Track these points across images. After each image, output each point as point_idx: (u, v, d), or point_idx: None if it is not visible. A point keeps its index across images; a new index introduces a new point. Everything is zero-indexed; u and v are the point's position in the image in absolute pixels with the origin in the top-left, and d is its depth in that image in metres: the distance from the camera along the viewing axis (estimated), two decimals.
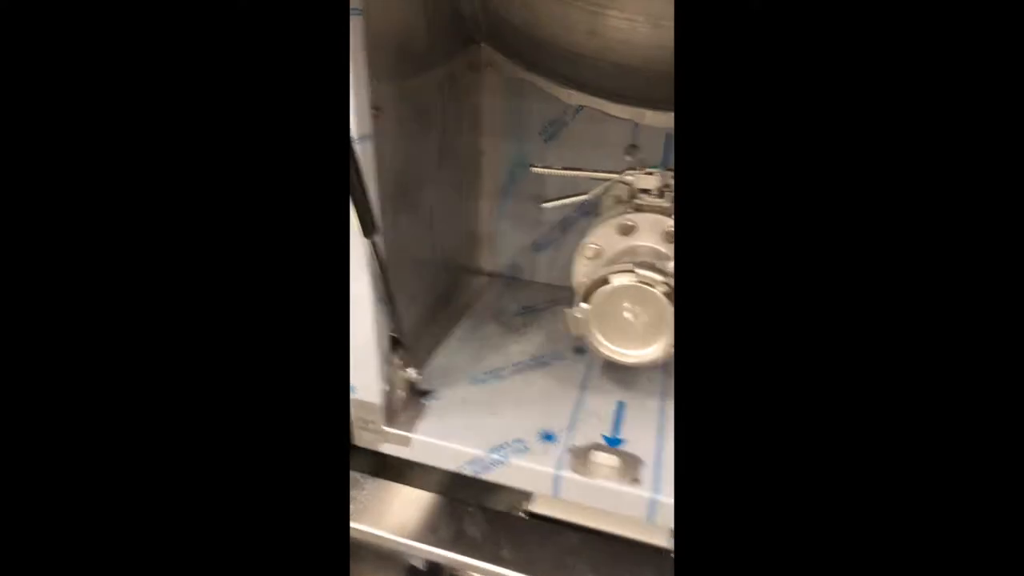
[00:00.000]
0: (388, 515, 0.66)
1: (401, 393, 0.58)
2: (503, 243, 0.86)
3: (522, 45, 0.67)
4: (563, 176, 0.63)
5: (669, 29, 0.51)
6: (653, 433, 0.56)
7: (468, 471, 0.55)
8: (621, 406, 0.60)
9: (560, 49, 0.60)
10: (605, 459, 0.52)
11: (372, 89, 0.50)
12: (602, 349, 0.56)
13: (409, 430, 0.56)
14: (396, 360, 0.56)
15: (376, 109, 0.51)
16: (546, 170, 0.63)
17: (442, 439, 0.55)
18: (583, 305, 0.54)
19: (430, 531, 0.65)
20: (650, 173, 0.59)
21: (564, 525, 0.58)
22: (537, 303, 0.81)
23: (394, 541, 0.63)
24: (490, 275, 0.88)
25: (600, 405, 0.60)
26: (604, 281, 0.53)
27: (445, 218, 0.74)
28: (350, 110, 0.44)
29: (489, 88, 0.76)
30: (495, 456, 0.53)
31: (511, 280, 0.88)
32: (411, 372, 0.58)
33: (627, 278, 0.52)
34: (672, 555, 0.59)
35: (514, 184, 0.81)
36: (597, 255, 0.61)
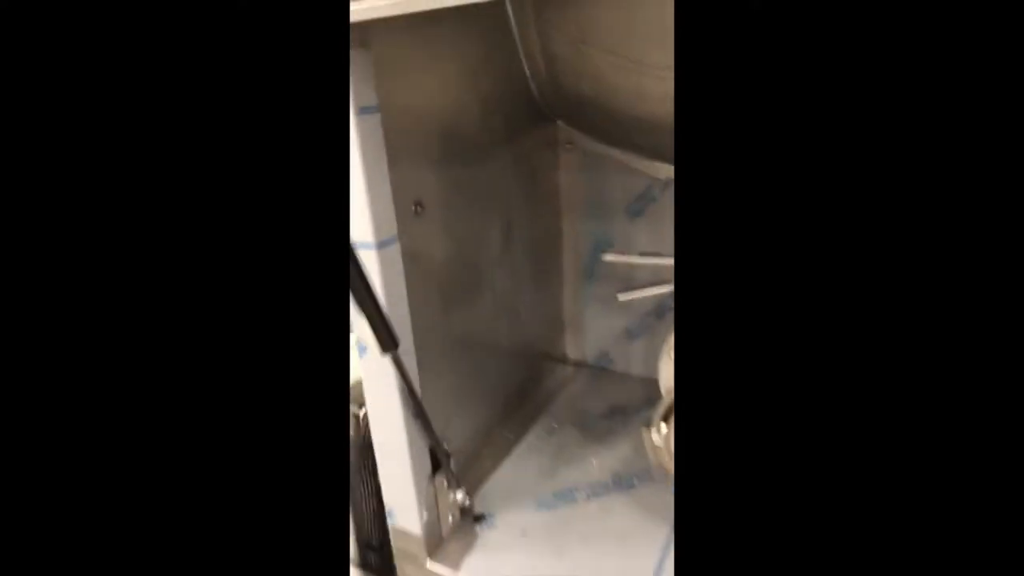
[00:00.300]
0: None
1: (450, 518, 0.50)
2: (591, 330, 0.77)
3: (598, 119, 0.60)
4: (640, 265, 0.54)
5: None
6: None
7: None
8: None
9: (637, 119, 0.53)
10: None
11: (414, 181, 0.46)
12: None
13: (456, 567, 0.47)
14: (440, 480, 0.49)
15: (418, 205, 0.46)
16: (620, 257, 0.54)
17: None
18: (661, 426, 0.43)
19: None
20: None
21: None
22: (628, 402, 0.70)
23: None
24: (576, 364, 0.79)
25: None
26: None
27: (524, 305, 0.68)
28: (370, 215, 0.40)
29: (567, 166, 0.70)
30: None
31: (600, 371, 0.78)
32: (459, 495, 0.50)
33: None
34: None
35: (599, 266, 0.72)
36: None
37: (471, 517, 0.52)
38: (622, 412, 0.68)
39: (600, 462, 0.59)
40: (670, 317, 0.69)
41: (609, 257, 0.55)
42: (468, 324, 0.57)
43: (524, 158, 0.63)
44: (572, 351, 0.80)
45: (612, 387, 0.73)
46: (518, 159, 0.62)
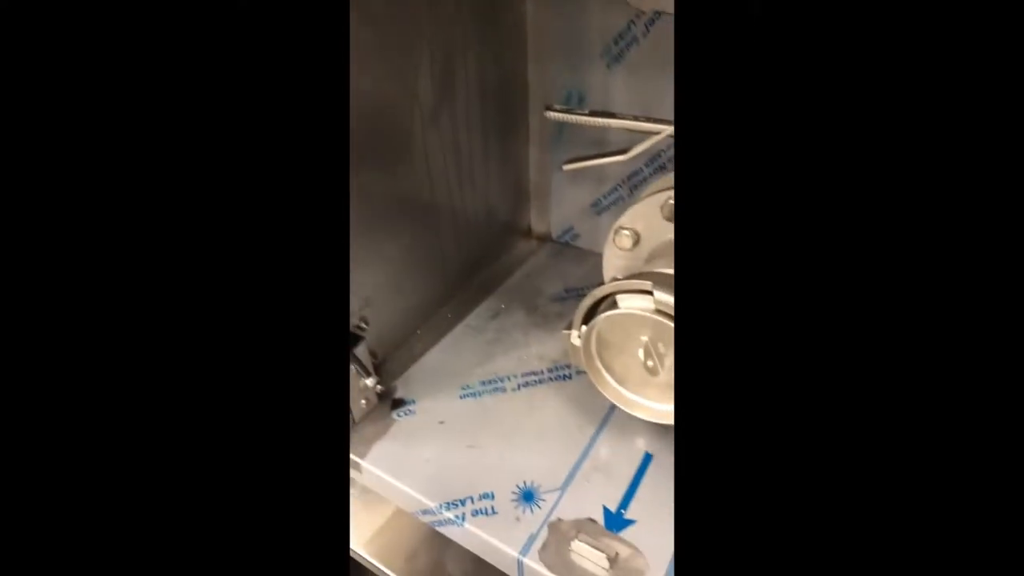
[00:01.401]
0: (370, 531, 0.57)
1: (363, 403, 0.47)
2: (558, 199, 0.68)
3: None
4: (591, 125, 0.43)
5: None
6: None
7: (423, 520, 0.43)
8: (647, 461, 0.43)
9: None
10: (589, 552, 0.36)
11: None
12: (608, 393, 0.39)
13: (361, 455, 0.45)
14: (353, 363, 0.45)
15: None
16: (563, 116, 0.44)
17: (394, 476, 0.43)
18: (581, 328, 0.37)
19: (406, 559, 0.56)
20: None
21: None
22: (585, 283, 0.63)
23: (366, 561, 0.55)
24: (540, 239, 0.72)
25: (620, 451, 0.44)
26: (610, 299, 0.35)
27: (480, 168, 0.59)
28: None
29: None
30: (448, 515, 0.40)
31: (564, 247, 0.70)
32: (369, 381, 0.46)
33: (641, 302, 0.33)
34: None
35: (569, 125, 0.61)
36: (635, 243, 0.42)
37: (389, 403, 0.49)
38: (577, 294, 0.62)
39: (540, 349, 0.54)
40: (643, 190, 0.59)
41: (551, 114, 0.44)
42: (399, 188, 0.49)
43: None
44: (537, 223, 0.72)
45: (573, 266, 0.67)
46: None
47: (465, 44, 0.51)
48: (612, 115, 0.42)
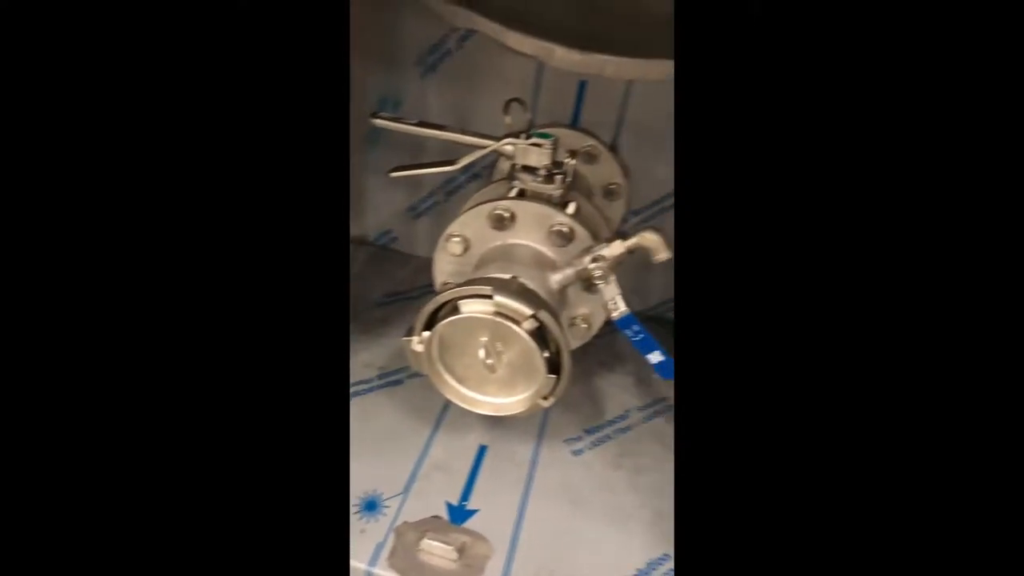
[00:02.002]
0: None
1: None
2: (375, 204, 0.68)
3: None
4: (415, 134, 0.44)
5: None
6: (516, 500, 0.43)
7: None
8: (483, 451, 0.46)
9: None
10: (439, 549, 0.38)
11: None
12: (448, 393, 0.41)
13: None
14: None
15: None
16: (391, 124, 0.44)
17: None
18: (424, 334, 0.38)
19: None
20: (537, 144, 0.41)
21: None
22: (408, 287, 0.64)
23: None
24: (358, 242, 0.70)
25: (455, 447, 0.46)
26: (451, 306, 0.37)
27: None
28: None
29: None
30: None
31: (382, 250, 0.70)
32: None
33: (482, 306, 0.36)
34: None
35: (387, 132, 0.61)
36: (465, 249, 0.45)
37: None
38: (401, 299, 0.62)
39: (367, 356, 0.53)
40: (459, 196, 0.62)
41: (379, 122, 0.44)
42: None
43: None
44: (353, 227, 0.70)
45: (393, 269, 0.67)
46: None
47: None
48: (440, 127, 0.43)
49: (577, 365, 0.39)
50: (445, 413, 0.48)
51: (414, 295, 0.63)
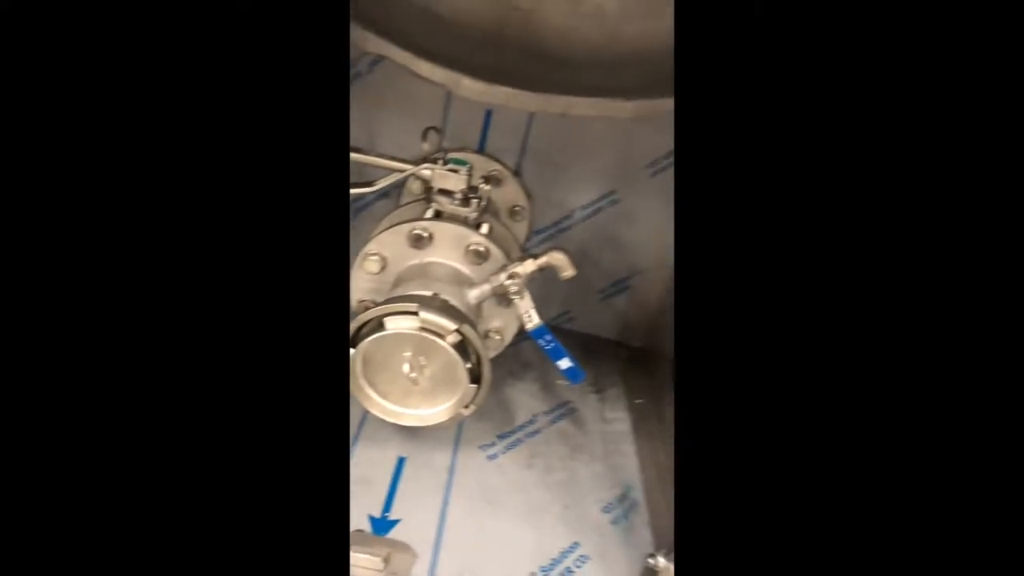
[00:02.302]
0: None
1: None
2: None
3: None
4: None
5: None
6: (436, 504, 0.45)
7: None
8: (401, 463, 0.47)
9: None
10: (364, 561, 0.39)
11: None
12: (372, 408, 0.42)
13: None
14: None
15: None
16: None
17: None
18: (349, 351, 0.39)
19: None
20: (454, 170, 0.44)
21: None
22: None
23: None
24: None
25: (374, 465, 0.47)
26: (376, 323, 0.39)
27: None
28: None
29: None
30: None
31: None
32: None
33: (408, 322, 0.38)
34: None
35: None
36: (382, 268, 0.46)
37: None
38: None
39: None
40: (368, 213, 0.63)
41: None
42: None
43: None
44: None
45: None
46: None
47: None
48: (358, 150, 0.45)
49: None
50: (362, 427, 0.49)
51: None
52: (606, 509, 0.48)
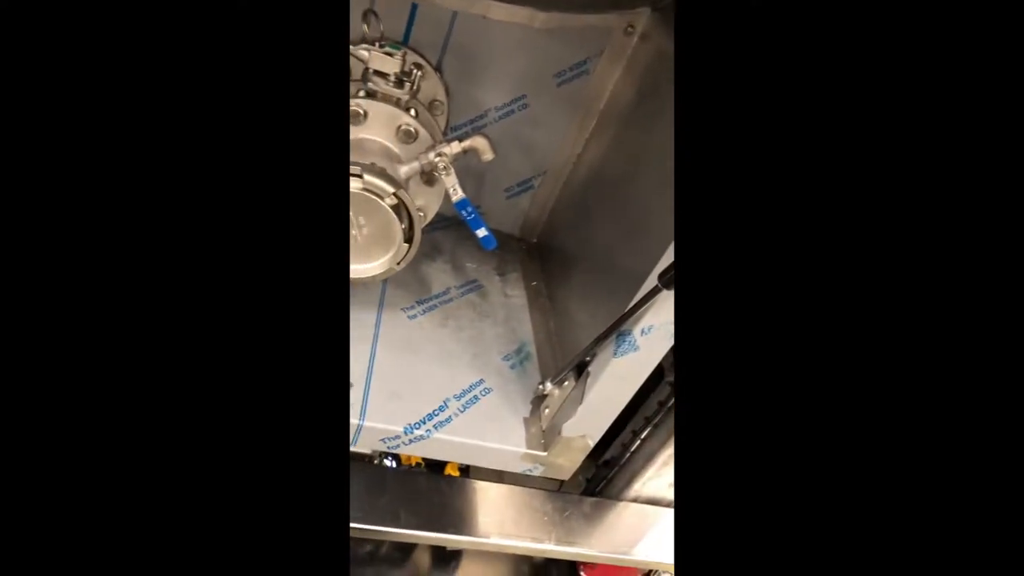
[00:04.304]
0: None
1: None
2: None
3: None
4: None
5: None
6: (366, 349, 0.53)
7: None
8: None
9: None
10: None
11: None
12: None
13: None
14: None
15: None
16: None
17: None
18: None
19: None
20: (390, 54, 0.49)
21: None
22: None
23: None
24: None
25: None
26: None
27: None
28: None
29: None
30: None
31: None
32: None
33: (353, 183, 0.44)
34: (372, 460, 0.59)
35: None
36: None
37: None
38: None
39: None
40: None
41: None
42: None
43: None
44: None
45: None
46: None
47: None
48: None
49: None
50: None
51: None
52: (506, 358, 0.59)
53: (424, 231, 0.57)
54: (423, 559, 0.76)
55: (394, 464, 0.68)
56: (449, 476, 0.66)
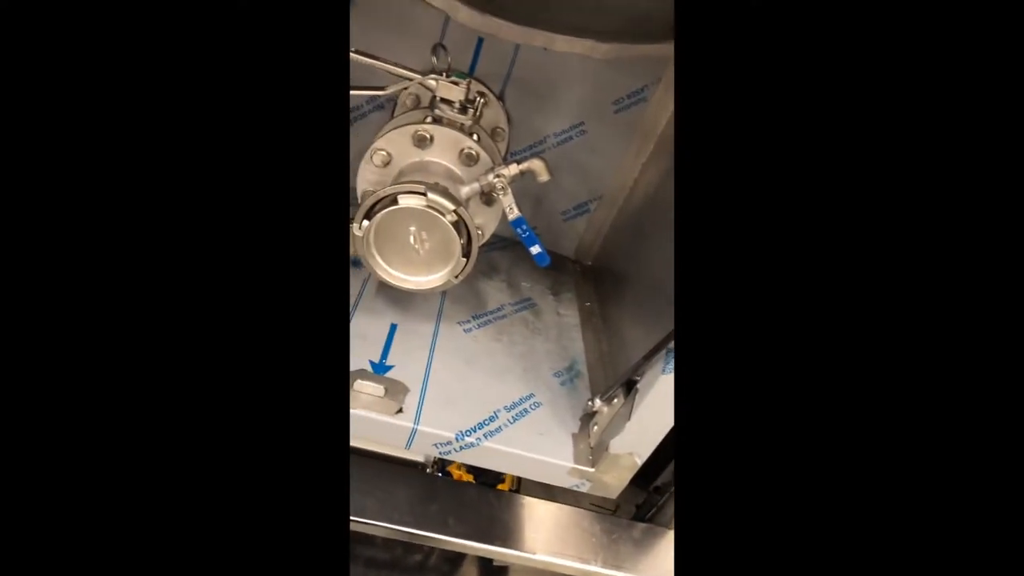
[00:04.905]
0: None
1: None
2: None
3: None
4: (358, 62, 0.53)
5: None
6: (423, 357, 0.55)
7: None
8: (393, 328, 0.57)
9: None
10: (368, 387, 0.49)
11: None
12: (380, 272, 0.51)
13: None
14: None
15: None
16: (361, 58, 0.52)
17: None
18: (364, 222, 0.48)
19: None
20: (455, 83, 0.53)
21: None
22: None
23: None
24: None
25: (371, 324, 0.57)
26: (391, 199, 0.48)
27: None
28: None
29: None
30: None
31: None
32: None
33: (417, 200, 0.47)
34: (426, 468, 0.61)
35: None
36: (386, 163, 0.55)
37: None
38: None
39: None
40: (364, 123, 0.70)
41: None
42: None
43: None
44: None
45: None
46: None
47: None
48: (375, 57, 0.53)
49: None
50: (359, 301, 0.59)
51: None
52: (556, 375, 0.60)
53: (482, 250, 0.60)
54: (470, 573, 0.77)
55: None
56: (498, 490, 0.67)
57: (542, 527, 0.57)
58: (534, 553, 0.56)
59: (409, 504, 0.55)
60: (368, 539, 0.73)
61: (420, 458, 0.60)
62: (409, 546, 0.74)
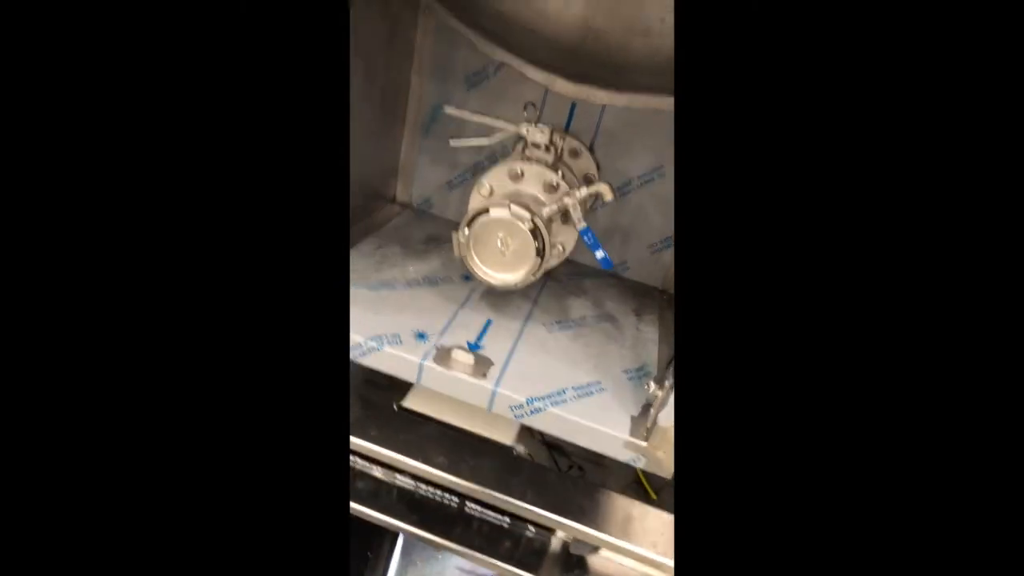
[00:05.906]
0: None
1: None
2: (420, 178, 0.94)
3: None
4: (472, 121, 0.72)
5: (585, 8, 0.61)
6: (509, 345, 0.68)
7: (353, 355, 0.64)
8: (489, 322, 0.71)
9: (491, 8, 0.68)
10: (463, 357, 0.63)
11: None
12: (475, 269, 0.66)
13: None
14: None
15: None
16: (458, 112, 0.72)
17: None
18: (465, 230, 0.64)
19: None
20: (541, 130, 0.69)
21: (427, 419, 0.69)
22: (442, 235, 0.90)
23: None
24: (403, 205, 0.97)
25: (472, 319, 0.71)
26: (484, 211, 0.63)
27: (366, 144, 0.81)
28: None
29: (424, 31, 0.83)
30: (371, 343, 0.63)
31: (422, 213, 0.96)
32: None
33: (502, 212, 0.62)
34: (513, 451, 0.71)
35: (435, 123, 0.89)
36: (490, 194, 0.71)
37: None
38: (436, 241, 0.88)
39: (416, 267, 0.79)
40: (481, 174, 0.89)
41: (450, 110, 0.72)
42: None
43: (396, 18, 0.75)
44: (400, 194, 0.97)
45: (431, 225, 0.93)
46: (393, 18, 0.73)
47: (368, 57, 0.75)
48: (484, 114, 0.71)
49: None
50: (467, 301, 0.74)
51: (445, 239, 0.89)
52: (626, 371, 0.68)
53: (573, 279, 0.73)
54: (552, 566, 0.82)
55: None
56: (575, 477, 0.75)
57: (611, 513, 0.64)
58: (604, 533, 0.63)
59: (495, 473, 0.65)
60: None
61: (509, 441, 0.71)
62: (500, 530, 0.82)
